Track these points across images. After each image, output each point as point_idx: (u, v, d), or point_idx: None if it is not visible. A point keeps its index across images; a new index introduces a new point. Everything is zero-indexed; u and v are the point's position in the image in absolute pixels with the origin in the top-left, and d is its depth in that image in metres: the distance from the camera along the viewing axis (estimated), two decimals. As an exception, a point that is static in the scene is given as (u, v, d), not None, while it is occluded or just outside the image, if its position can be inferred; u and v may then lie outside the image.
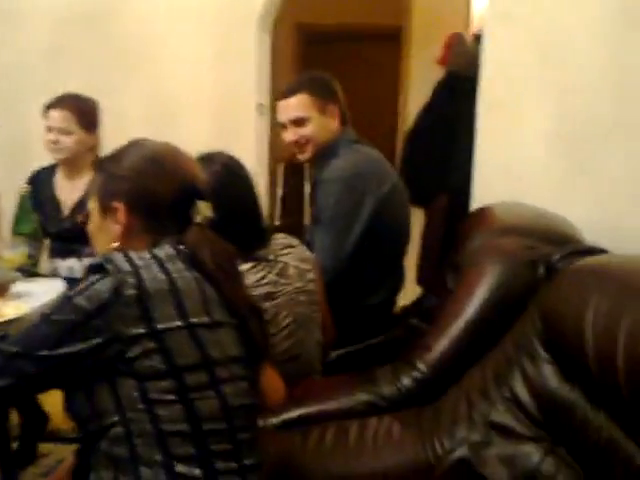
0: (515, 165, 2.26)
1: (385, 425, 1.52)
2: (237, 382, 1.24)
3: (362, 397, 1.62)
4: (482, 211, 2.05)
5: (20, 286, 1.99)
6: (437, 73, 3.55)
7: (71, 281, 2.04)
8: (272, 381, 1.58)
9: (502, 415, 1.41)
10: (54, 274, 2.29)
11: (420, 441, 1.46)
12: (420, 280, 3.27)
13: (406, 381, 1.61)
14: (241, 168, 1.77)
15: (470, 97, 2.41)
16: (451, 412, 1.48)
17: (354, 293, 2.19)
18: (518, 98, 2.24)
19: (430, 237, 3.31)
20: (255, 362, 1.32)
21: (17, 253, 2.12)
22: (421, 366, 1.61)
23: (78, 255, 2.41)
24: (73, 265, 2.42)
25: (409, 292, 2.48)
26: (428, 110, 3.39)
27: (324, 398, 1.66)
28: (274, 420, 1.59)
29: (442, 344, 1.61)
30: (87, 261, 1.26)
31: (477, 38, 2.89)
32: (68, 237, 2.51)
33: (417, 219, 3.18)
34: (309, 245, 2.07)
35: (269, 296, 1.70)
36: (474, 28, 3.72)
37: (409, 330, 2.09)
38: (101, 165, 1.37)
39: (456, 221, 2.41)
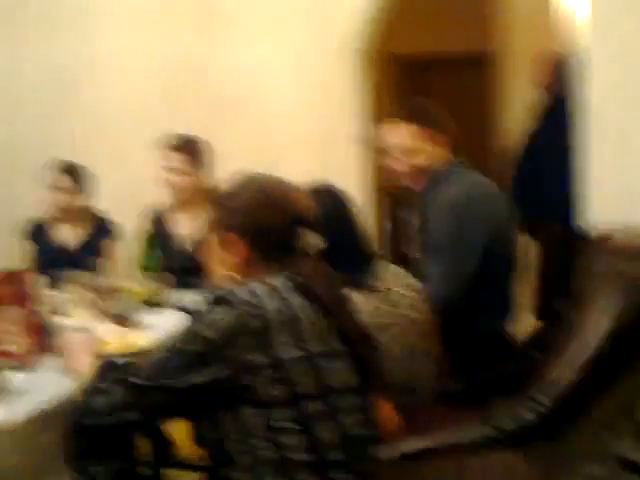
0: (631, 187, 2.17)
1: (507, 461, 1.48)
2: (354, 412, 1.25)
3: (481, 431, 1.58)
4: (601, 236, 1.96)
5: (145, 318, 2.11)
6: (534, 95, 3.47)
7: (191, 313, 2.13)
8: (386, 412, 1.57)
9: (631, 450, 1.33)
10: (176, 306, 2.40)
11: (544, 477, 1.40)
12: (537, 311, 3.16)
13: (527, 415, 1.55)
14: (346, 199, 1.80)
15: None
16: (576, 447, 1.42)
17: (467, 323, 2.15)
18: (630, 117, 2.15)
19: (546, 266, 3.20)
20: (370, 392, 1.32)
21: (143, 287, 2.25)
22: (542, 399, 1.55)
23: (197, 288, 2.52)
24: (193, 298, 2.53)
25: (525, 323, 2.41)
26: (536, 136, 3.31)
27: (441, 431, 1.63)
28: (391, 452, 1.57)
29: (564, 376, 1.55)
30: (206, 294, 1.31)
31: (571, 57, 2.81)
32: (187, 271, 2.63)
33: (531, 248, 3.10)
34: (420, 275, 2.06)
35: (381, 326, 1.70)
36: (568, 47, 3.61)
37: (527, 362, 2.02)
38: (216, 200, 1.44)
39: (573, 248, 2.32)
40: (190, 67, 3.62)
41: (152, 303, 2.23)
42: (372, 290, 1.73)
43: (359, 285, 1.71)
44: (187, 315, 2.15)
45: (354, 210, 1.81)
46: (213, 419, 1.21)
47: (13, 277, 1.82)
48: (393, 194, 5.26)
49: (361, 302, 1.68)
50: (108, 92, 3.72)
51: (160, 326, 2.03)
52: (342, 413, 1.23)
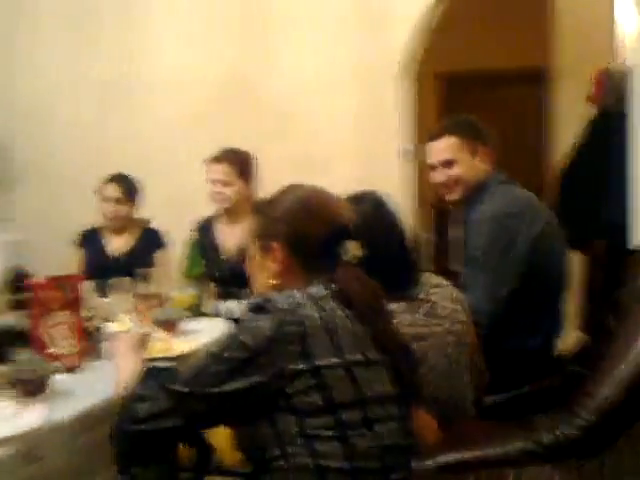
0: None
1: (545, 475, 1.45)
2: (391, 421, 1.25)
3: (519, 444, 1.56)
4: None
5: (188, 324, 2.16)
6: (584, 110, 3.42)
7: (231, 321, 2.17)
8: (425, 422, 1.56)
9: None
10: (216, 314, 2.45)
11: (584, 493, 1.38)
12: (581, 325, 3.10)
13: (567, 429, 1.52)
14: (390, 208, 1.79)
15: (625, 133, 2.30)
16: (617, 464, 1.39)
17: (510, 337, 2.12)
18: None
19: (591, 279, 3.14)
20: (407, 401, 1.32)
21: (186, 294, 2.30)
22: (583, 414, 1.52)
23: (239, 297, 2.56)
24: (232, 306, 2.57)
25: (568, 337, 2.37)
26: (581, 149, 3.27)
27: (479, 443, 1.61)
28: (428, 462, 1.56)
29: (606, 390, 1.51)
30: (245, 303, 1.34)
31: (620, 72, 2.76)
32: (228, 280, 2.68)
33: (576, 262, 3.04)
34: (462, 287, 2.05)
35: (418, 336, 1.70)
36: (622, 61, 3.55)
37: (569, 377, 1.98)
38: (259, 209, 1.47)
39: (617, 261, 2.28)
40: (240, 81, 3.70)
41: (195, 311, 2.28)
42: (412, 300, 1.73)
43: (399, 295, 1.70)
44: (229, 323, 2.19)
45: (398, 217, 1.79)
46: (251, 425, 1.22)
47: (62, 282, 1.88)
48: (437, 206, 5.26)
49: (400, 312, 1.68)
50: (158, 106, 3.83)
51: (202, 333, 2.07)
52: (379, 422, 1.23)
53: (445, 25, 3.69)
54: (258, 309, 1.24)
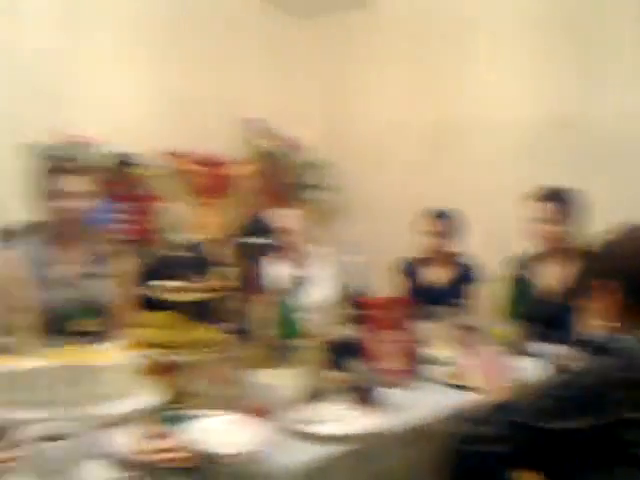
0: None
1: None
2: None
3: None
4: None
5: (507, 360, 2.15)
6: None
7: (549, 364, 2.11)
8: None
9: None
10: (531, 354, 2.39)
11: None
12: None
13: None
14: None
15: None
16: None
17: None
18: None
19: None
20: None
21: (505, 330, 2.30)
22: None
23: (558, 341, 2.47)
24: (551, 349, 2.49)
25: None
26: None
27: None
28: None
29: None
30: (580, 342, 1.29)
31: None
32: (545, 320, 2.59)
33: None
34: None
35: None
36: None
37: None
38: (598, 247, 1.41)
39: None
40: (559, 117, 3.62)
41: (513, 348, 2.27)
42: None
43: None
44: (546, 364, 2.13)
45: None
46: (584, 473, 1.18)
47: (392, 304, 2.04)
48: None
49: None
50: (480, 145, 3.93)
51: (519, 370, 2.04)
52: None
53: None
54: (598, 350, 1.21)
